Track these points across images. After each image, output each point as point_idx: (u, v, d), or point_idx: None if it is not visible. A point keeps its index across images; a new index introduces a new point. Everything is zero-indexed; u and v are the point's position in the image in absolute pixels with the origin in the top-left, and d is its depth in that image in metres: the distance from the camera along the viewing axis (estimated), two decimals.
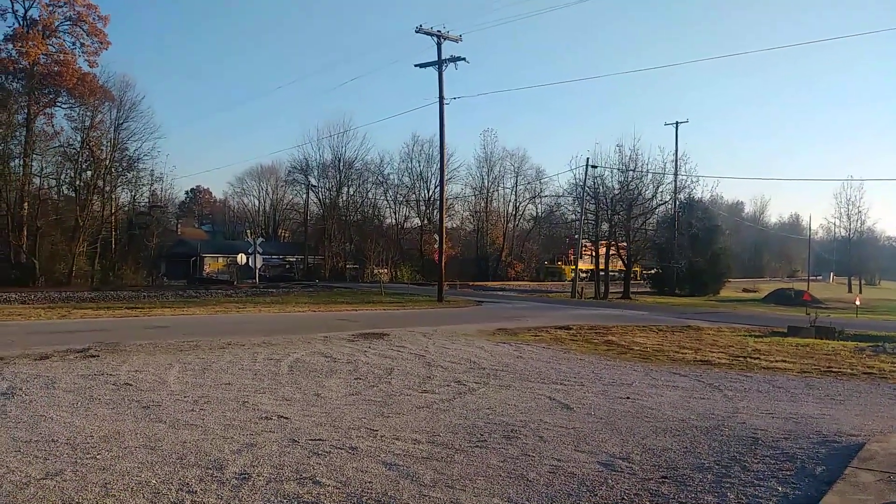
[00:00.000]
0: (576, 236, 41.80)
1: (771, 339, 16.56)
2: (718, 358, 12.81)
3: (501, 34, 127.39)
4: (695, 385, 9.85)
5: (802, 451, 6.18)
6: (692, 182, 42.21)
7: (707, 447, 6.30)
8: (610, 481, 5.24)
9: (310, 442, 6.18)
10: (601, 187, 39.74)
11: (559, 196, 57.17)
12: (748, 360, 12.61)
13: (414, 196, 67.30)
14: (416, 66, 30.07)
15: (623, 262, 42.11)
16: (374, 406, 7.85)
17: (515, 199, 75.48)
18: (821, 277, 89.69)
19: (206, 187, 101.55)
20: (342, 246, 63.07)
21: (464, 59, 29.03)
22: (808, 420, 7.55)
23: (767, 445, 6.37)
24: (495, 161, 72.33)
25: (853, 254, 75.42)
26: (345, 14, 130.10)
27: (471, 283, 48.67)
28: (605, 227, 40.66)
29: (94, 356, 10.90)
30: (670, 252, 42.31)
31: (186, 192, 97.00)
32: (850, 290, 63.09)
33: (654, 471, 5.54)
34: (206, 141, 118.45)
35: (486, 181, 72.35)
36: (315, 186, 67.66)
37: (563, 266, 63.73)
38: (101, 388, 8.40)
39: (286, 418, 7.09)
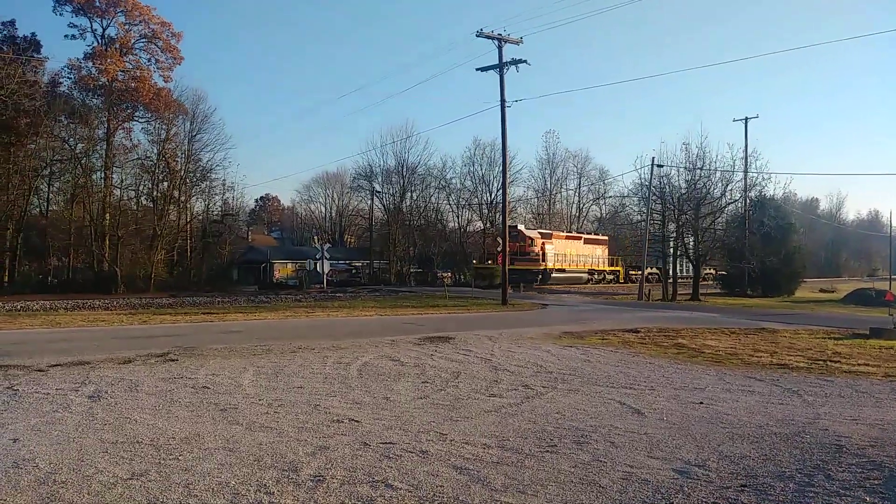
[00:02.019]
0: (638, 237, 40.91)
1: (852, 341, 15.83)
2: (796, 361, 12.34)
3: (563, 35, 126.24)
4: (772, 390, 9.52)
5: (890, 459, 5.91)
6: (763, 179, 40.68)
7: (788, 455, 6.09)
8: (686, 489, 5.12)
9: (381, 445, 6.27)
10: (667, 187, 38.72)
11: (624, 196, 55.98)
12: (828, 363, 12.11)
13: (476, 199, 67.32)
14: (477, 69, 30.01)
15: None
16: (443, 410, 7.90)
17: (579, 201, 74.69)
18: None
19: (274, 195, 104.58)
20: (406, 250, 63.65)
21: (525, 61, 28.85)
22: (895, 427, 7.21)
23: (852, 453, 6.11)
24: (558, 163, 71.70)
25: None
26: (406, 21, 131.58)
27: (535, 286, 48.26)
28: (671, 226, 39.65)
29: (173, 360, 11.33)
30: (741, 252, 40.96)
31: (256, 200, 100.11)
32: None
33: (731, 479, 5.38)
34: (273, 150, 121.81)
35: (548, 183, 71.79)
36: (379, 192, 68.57)
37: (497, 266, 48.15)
38: (181, 391, 8.73)
39: (357, 421, 7.21)
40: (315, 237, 73.72)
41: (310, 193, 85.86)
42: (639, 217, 43.78)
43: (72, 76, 46.67)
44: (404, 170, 66.54)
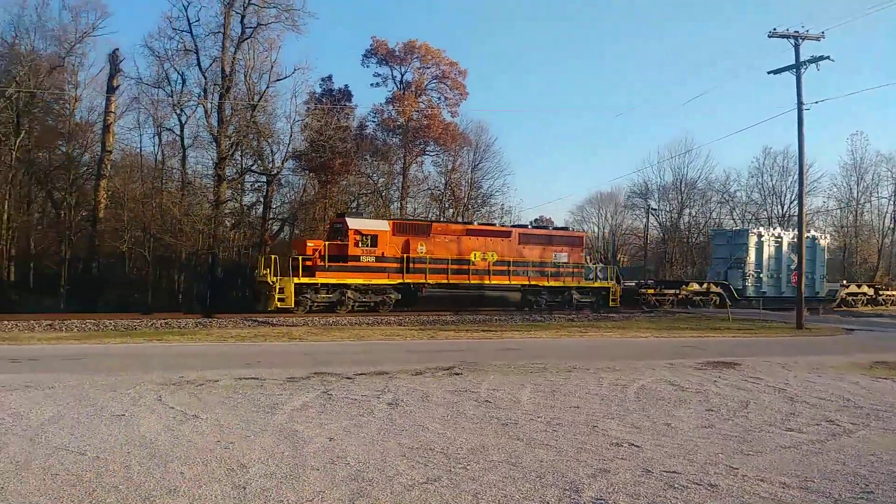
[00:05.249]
0: None
1: None
2: None
3: (869, 24, 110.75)
4: None
5: None
6: None
7: None
8: None
9: (664, 474, 6.03)
10: None
11: None
12: None
13: (765, 213, 61.95)
14: (769, 72, 27.59)
15: None
16: (731, 441, 7.36)
17: (894, 211, 64.70)
18: None
19: (548, 217, 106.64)
20: (684, 269, 60.66)
21: (828, 57, 25.77)
22: None
23: None
24: (866, 168, 63.18)
25: None
26: (681, 32, 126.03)
27: (835, 308, 42.58)
28: None
29: (458, 374, 12.11)
30: None
31: (530, 223, 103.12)
32: None
33: None
34: (548, 173, 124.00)
35: (854, 191, 63.52)
36: (655, 210, 66.56)
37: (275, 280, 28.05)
38: (466, 404, 9.29)
39: (637, 446, 7.03)
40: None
41: (583, 214, 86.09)
42: None
43: (375, 119, 53.03)
44: (682, 185, 63.88)
